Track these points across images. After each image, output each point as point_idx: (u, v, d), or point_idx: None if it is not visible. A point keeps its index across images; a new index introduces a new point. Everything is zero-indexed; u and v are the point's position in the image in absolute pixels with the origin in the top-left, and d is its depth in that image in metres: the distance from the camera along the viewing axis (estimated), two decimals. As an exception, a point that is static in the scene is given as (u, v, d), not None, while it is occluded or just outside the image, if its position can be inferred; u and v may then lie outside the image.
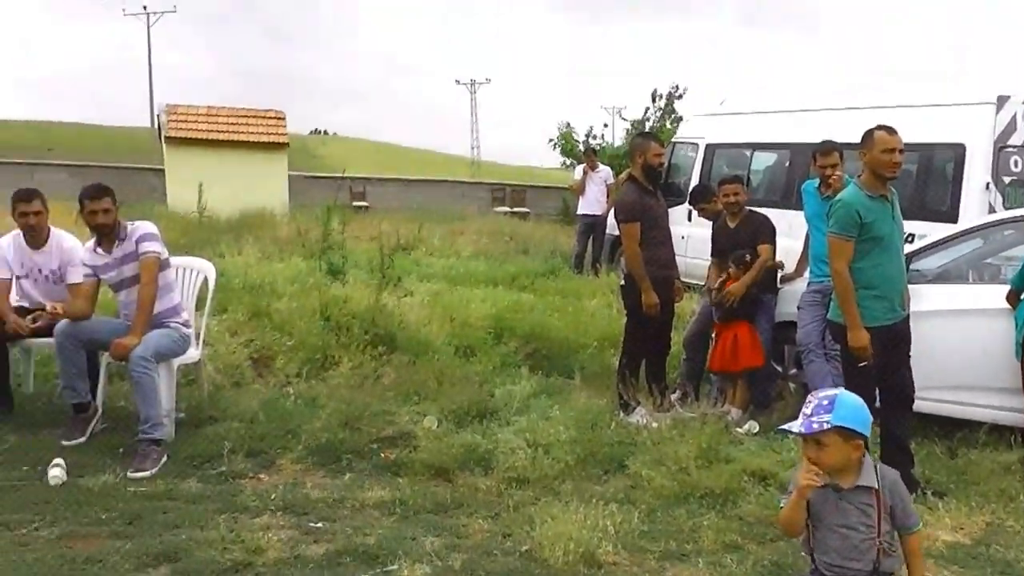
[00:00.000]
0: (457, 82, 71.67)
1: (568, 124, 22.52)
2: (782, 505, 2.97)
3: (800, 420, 2.80)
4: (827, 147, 5.91)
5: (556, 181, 28.10)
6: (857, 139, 4.76)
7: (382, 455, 5.09)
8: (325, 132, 75.82)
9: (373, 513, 4.33)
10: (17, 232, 5.61)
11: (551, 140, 22.78)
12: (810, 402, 2.83)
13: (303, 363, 6.54)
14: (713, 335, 6.39)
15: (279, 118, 21.72)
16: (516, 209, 23.86)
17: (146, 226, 5.27)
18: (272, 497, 4.45)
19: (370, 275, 8.73)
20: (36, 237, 5.58)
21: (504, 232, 16.73)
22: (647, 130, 20.42)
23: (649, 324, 5.96)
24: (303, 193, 22.69)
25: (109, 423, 5.41)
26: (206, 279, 5.78)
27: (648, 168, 6.00)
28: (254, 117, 21.45)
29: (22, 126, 48.32)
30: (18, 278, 5.64)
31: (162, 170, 21.62)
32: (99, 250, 5.24)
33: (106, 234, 5.19)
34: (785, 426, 2.90)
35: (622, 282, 6.22)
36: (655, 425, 5.57)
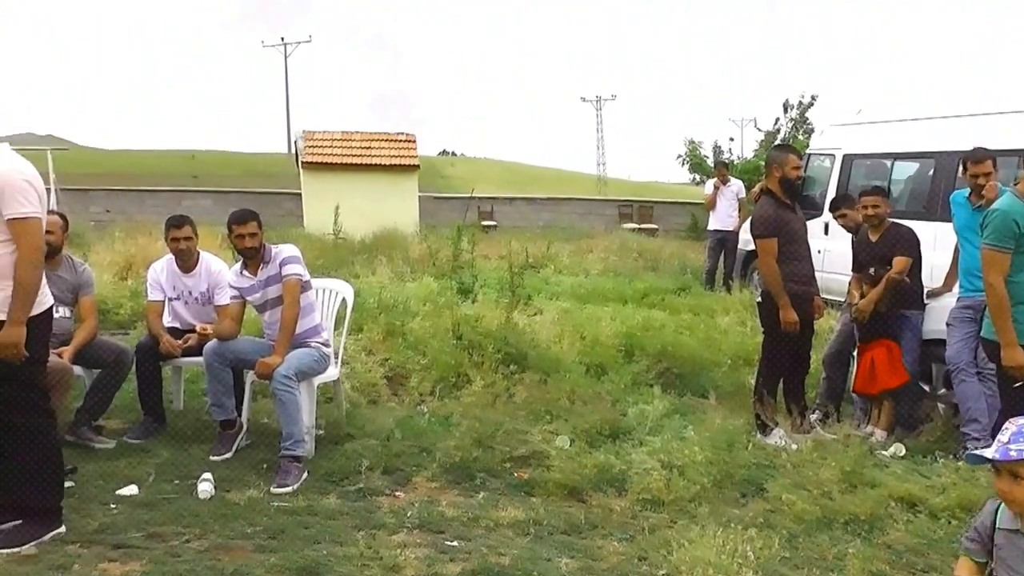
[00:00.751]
0: (583, 99, 71.75)
1: (694, 140, 22.23)
2: (966, 548, 2.71)
3: (995, 446, 2.52)
4: (979, 155, 5.61)
5: (684, 196, 27.77)
6: (1010, 145, 4.50)
7: (515, 474, 5.10)
8: (453, 153, 77.24)
9: (507, 533, 4.33)
10: (170, 257, 5.92)
11: (679, 156, 22.55)
12: (1008, 428, 2.55)
13: (436, 381, 6.64)
14: (854, 354, 6.15)
15: (410, 141, 22.26)
16: (644, 225, 23.69)
17: (289, 249, 5.46)
18: (408, 515, 4.51)
19: (500, 294, 8.82)
20: (187, 261, 5.86)
21: (632, 249, 16.62)
22: (781, 142, 19.92)
23: (788, 342, 5.79)
24: (432, 213, 23.16)
25: (253, 439, 5.60)
26: (344, 300, 5.94)
27: (786, 181, 5.84)
28: (386, 140, 22.06)
29: (168, 155, 51.02)
30: (170, 300, 5.94)
31: (299, 194, 22.46)
32: (245, 273, 5.46)
33: (252, 257, 5.40)
34: (977, 451, 2.63)
35: (759, 299, 6.06)
36: (795, 447, 5.39)
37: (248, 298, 5.47)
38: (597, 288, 11.05)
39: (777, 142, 21.19)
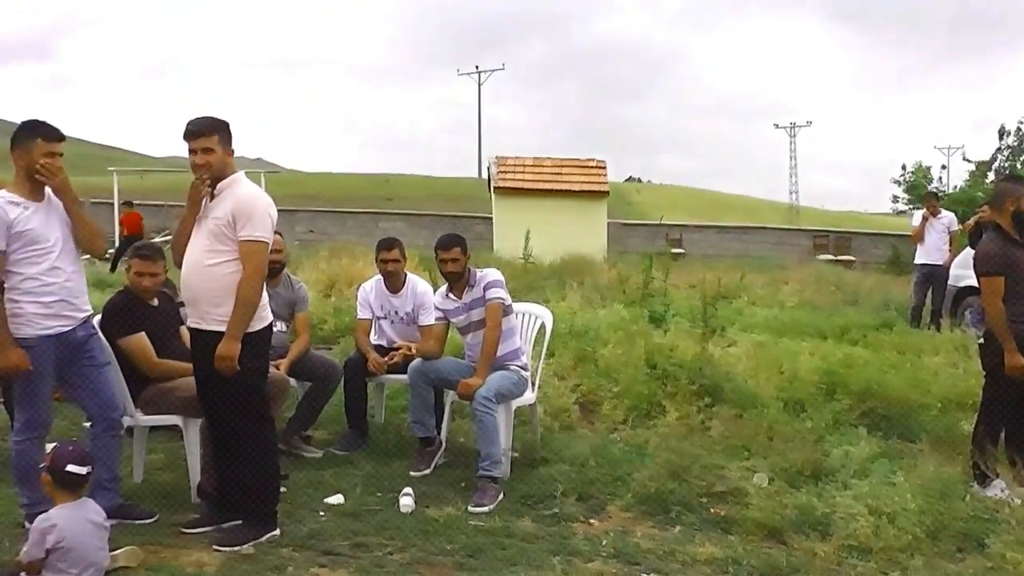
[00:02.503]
0: (776, 126, 69.89)
1: (922, 164, 21.11)
2: None
3: None
4: None
5: (883, 227, 26.47)
6: None
7: (712, 510, 4.98)
8: (639, 180, 77.07)
9: (704, 569, 4.24)
10: (379, 277, 6.19)
11: (896, 178, 21.53)
12: None
13: (629, 410, 6.60)
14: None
15: (600, 167, 22.35)
16: (840, 257, 22.73)
17: (493, 274, 5.59)
18: (603, 543, 4.49)
19: (692, 324, 8.67)
20: (394, 282, 6.11)
21: (829, 281, 15.96)
22: (1001, 172, 18.67)
23: (1012, 388, 5.37)
24: (620, 240, 23.14)
25: (450, 457, 5.74)
26: (543, 325, 6.01)
27: (1019, 215, 5.43)
28: (577, 167, 22.23)
29: (363, 179, 53.47)
30: (377, 319, 6.20)
31: (489, 218, 22.97)
32: (451, 295, 5.63)
33: (456, 280, 5.56)
34: None
35: (980, 340, 5.66)
36: (1017, 501, 4.99)
37: (452, 320, 5.63)
38: (794, 321, 10.66)
39: (992, 171, 19.85)
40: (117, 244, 18.82)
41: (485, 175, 29.14)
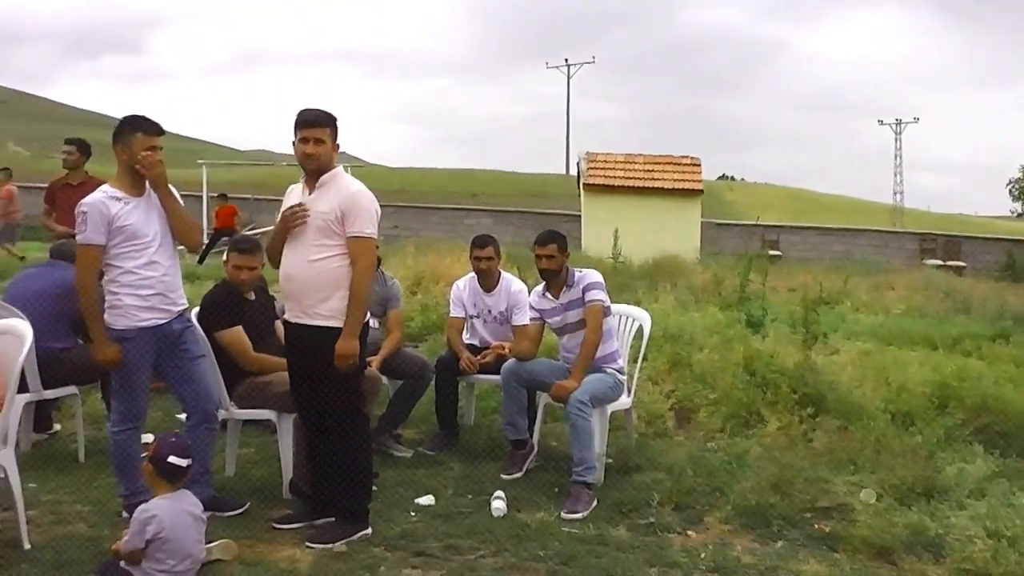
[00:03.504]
0: (880, 122, 67.79)
1: None
2: None
3: None
4: None
5: (995, 231, 25.37)
6: None
7: (816, 525, 4.74)
8: (732, 178, 75.69)
9: (809, 588, 4.03)
10: (472, 275, 6.11)
11: (1010, 182, 20.66)
12: None
13: (727, 418, 6.38)
14: None
15: (695, 165, 21.97)
16: (950, 262, 21.84)
17: (593, 275, 5.46)
18: (701, 556, 4.31)
19: (792, 329, 8.36)
20: (488, 280, 6.03)
21: (938, 287, 15.30)
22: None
23: None
24: (713, 240, 22.71)
25: (542, 461, 5.62)
26: (640, 327, 5.85)
27: None
28: (670, 164, 21.89)
29: (447, 175, 53.69)
30: (470, 317, 6.13)
31: (577, 215, 22.80)
32: (547, 295, 5.51)
33: (553, 278, 5.44)
34: None
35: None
36: None
37: (548, 320, 5.51)
38: (901, 329, 10.20)
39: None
40: (207, 237, 19.05)
41: (573, 171, 28.94)
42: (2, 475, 4.26)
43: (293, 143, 4.31)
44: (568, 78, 65.56)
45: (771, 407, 6.32)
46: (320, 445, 4.49)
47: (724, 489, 5.07)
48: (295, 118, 4.29)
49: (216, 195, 21.28)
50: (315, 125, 4.25)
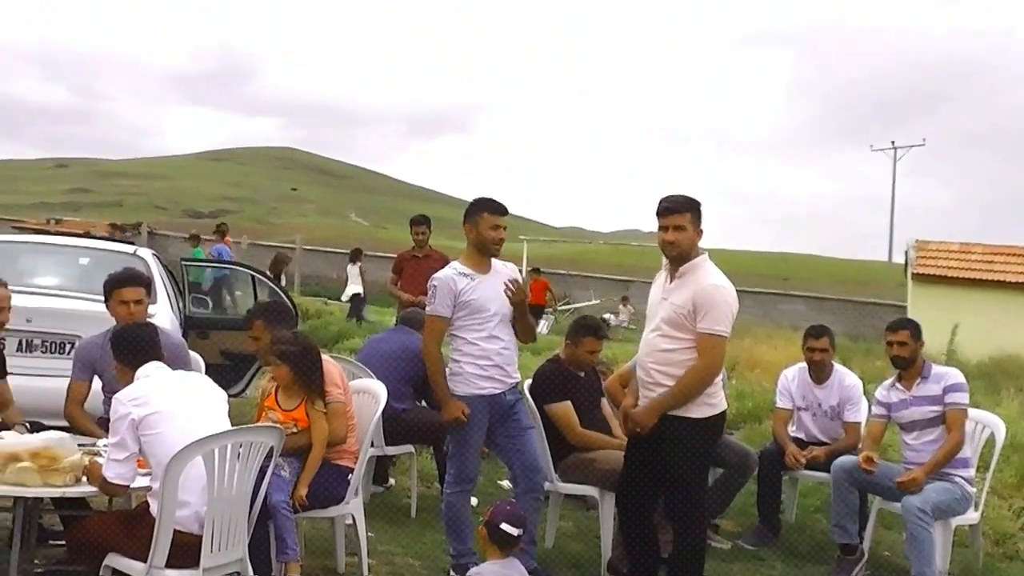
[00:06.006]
0: None
1: None
2: None
3: None
4: None
5: None
6: None
7: None
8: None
9: None
10: (802, 365, 5.85)
11: None
12: None
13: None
14: None
15: (1037, 256, 19.86)
16: None
17: (956, 374, 5.10)
18: None
19: None
20: (820, 372, 5.75)
21: None
22: None
23: None
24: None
25: (871, 571, 5.22)
26: (992, 435, 5.30)
27: None
28: (1011, 255, 19.96)
29: (760, 257, 52.14)
30: (798, 409, 5.85)
31: (901, 306, 21.33)
32: (898, 386, 5.17)
33: (906, 367, 5.10)
34: None
35: None
36: None
37: (894, 415, 5.14)
38: None
39: None
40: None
41: (897, 258, 27.20)
42: (351, 522, 4.63)
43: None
44: (895, 161, 62.02)
45: None
46: (638, 530, 4.44)
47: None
48: (656, 206, 4.28)
49: (531, 269, 22.05)
50: (675, 212, 4.20)
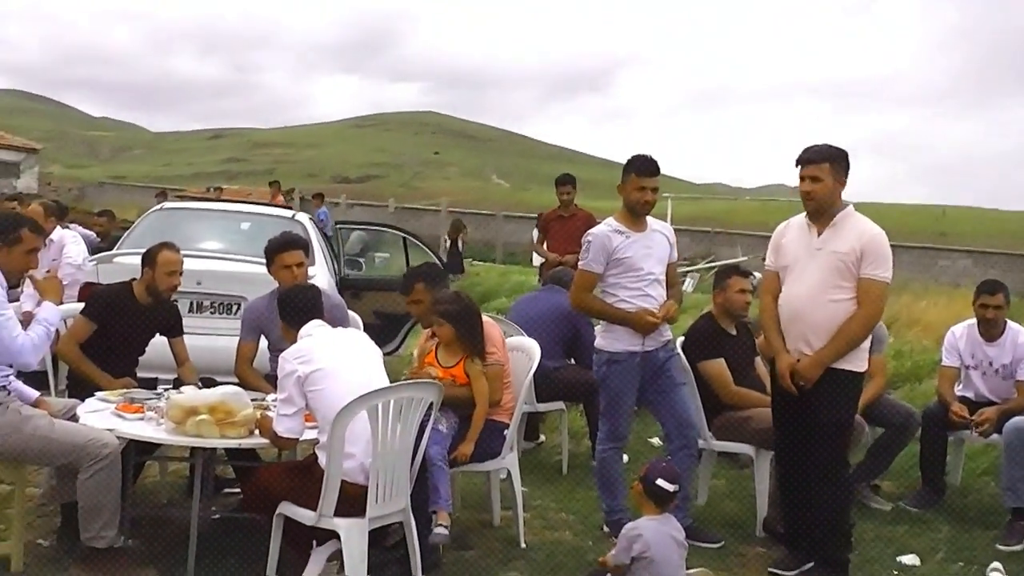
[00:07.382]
0: None
1: None
2: None
3: None
4: None
5: None
6: None
7: None
8: None
9: None
10: (972, 322, 5.56)
11: None
12: None
13: None
14: None
15: None
16: None
17: None
18: None
19: None
20: (993, 330, 5.45)
21: None
22: None
23: None
24: None
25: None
26: None
27: None
28: None
29: (913, 210, 49.40)
30: (966, 367, 5.58)
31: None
32: None
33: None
34: None
35: None
36: None
37: None
38: None
39: None
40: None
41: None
42: (505, 477, 4.72)
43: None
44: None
45: None
46: (796, 487, 4.35)
47: None
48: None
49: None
50: (810, 163, 4.12)
